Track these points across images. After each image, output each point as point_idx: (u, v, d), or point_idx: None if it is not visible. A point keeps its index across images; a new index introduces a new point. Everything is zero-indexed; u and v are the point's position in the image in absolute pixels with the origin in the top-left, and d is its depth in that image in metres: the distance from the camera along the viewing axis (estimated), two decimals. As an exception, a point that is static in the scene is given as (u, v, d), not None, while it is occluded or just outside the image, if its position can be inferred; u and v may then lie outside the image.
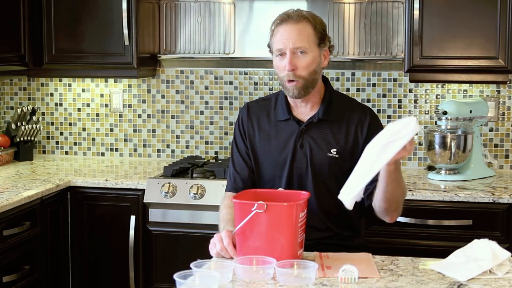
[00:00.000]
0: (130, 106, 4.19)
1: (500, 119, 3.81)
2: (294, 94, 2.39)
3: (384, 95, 3.91)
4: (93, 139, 4.25)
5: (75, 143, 4.28)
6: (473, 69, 3.50)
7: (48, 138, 4.31)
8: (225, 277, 1.97)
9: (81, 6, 3.83)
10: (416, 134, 3.85)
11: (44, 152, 4.32)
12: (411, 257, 2.23)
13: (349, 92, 3.88)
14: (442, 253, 2.21)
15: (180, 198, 3.47)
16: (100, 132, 4.24)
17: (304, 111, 2.47)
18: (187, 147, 4.15)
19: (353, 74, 3.93)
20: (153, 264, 3.54)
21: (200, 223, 3.45)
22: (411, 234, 3.26)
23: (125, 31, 3.73)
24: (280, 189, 2.39)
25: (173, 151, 4.17)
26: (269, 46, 2.45)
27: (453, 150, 3.49)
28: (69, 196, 3.59)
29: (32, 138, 4.12)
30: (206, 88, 4.10)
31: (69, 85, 4.25)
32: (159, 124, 4.17)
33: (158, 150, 4.19)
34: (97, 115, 4.24)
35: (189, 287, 1.90)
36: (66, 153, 4.30)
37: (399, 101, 3.90)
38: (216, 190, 3.41)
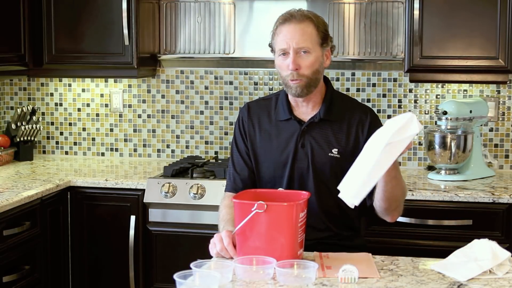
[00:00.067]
0: (130, 106, 4.19)
1: (500, 119, 3.81)
2: (297, 92, 2.39)
3: (384, 95, 3.91)
4: (93, 139, 4.25)
5: (75, 143, 4.28)
6: (473, 69, 3.50)
7: (48, 138, 4.31)
8: (225, 277, 1.97)
9: (81, 6, 3.83)
10: (416, 134, 3.86)
11: (44, 152, 4.32)
12: (411, 257, 2.23)
13: (349, 92, 3.89)
14: (442, 253, 2.21)
15: (180, 198, 3.47)
16: (100, 132, 4.24)
17: (305, 110, 2.47)
18: (187, 147, 4.15)
19: (353, 74, 3.93)
20: (153, 264, 3.54)
21: (200, 223, 3.45)
22: (411, 234, 3.26)
23: (125, 31, 3.73)
24: (280, 189, 2.39)
25: (173, 151, 4.17)
26: (270, 45, 2.45)
27: (453, 150, 3.49)
28: (69, 196, 3.59)
29: (32, 138, 4.12)
30: (206, 88, 4.10)
31: (69, 85, 4.25)
32: (159, 124, 4.17)
33: (158, 150, 4.19)
34: (97, 115, 4.24)
35: (189, 287, 1.90)
36: (66, 153, 4.30)
37: (399, 101, 3.90)
38: (216, 190, 3.41)
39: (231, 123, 4.06)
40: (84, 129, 4.26)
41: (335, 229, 2.47)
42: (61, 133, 4.29)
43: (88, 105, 4.24)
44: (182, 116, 4.14)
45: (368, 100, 3.90)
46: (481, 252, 2.08)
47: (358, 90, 3.93)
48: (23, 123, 4.06)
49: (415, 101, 3.89)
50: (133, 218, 3.51)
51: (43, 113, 4.29)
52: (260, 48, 3.89)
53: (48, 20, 3.85)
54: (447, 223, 3.25)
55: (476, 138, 3.58)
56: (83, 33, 3.85)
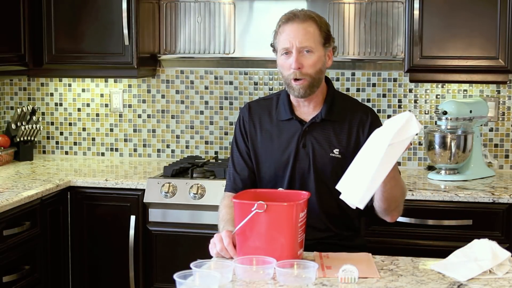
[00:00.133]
0: (130, 106, 4.19)
1: (500, 119, 3.81)
2: (300, 93, 2.39)
3: (384, 95, 3.91)
4: (93, 139, 4.25)
5: (75, 143, 4.28)
6: (473, 69, 3.50)
7: (48, 138, 4.31)
8: (225, 277, 1.97)
9: (81, 6, 3.83)
10: (416, 134, 3.86)
11: (44, 152, 4.32)
12: (411, 257, 2.23)
13: (349, 92, 3.88)
14: (442, 253, 2.21)
15: (180, 198, 3.47)
16: (100, 132, 4.24)
17: (307, 110, 2.47)
18: (187, 147, 4.15)
19: (353, 74, 3.93)
20: (153, 264, 3.54)
21: (200, 223, 3.45)
22: (411, 234, 3.26)
23: (125, 31, 3.73)
24: (280, 189, 2.39)
25: (173, 151, 4.17)
26: (272, 45, 2.45)
27: (453, 150, 3.49)
28: (69, 196, 3.59)
29: (32, 138, 4.12)
30: (206, 88, 4.10)
31: (69, 85, 4.25)
32: (159, 124, 4.17)
33: (158, 150, 4.19)
34: (97, 115, 4.24)
35: (189, 287, 1.90)
36: (66, 153, 4.30)
37: (399, 101, 3.90)
38: (216, 190, 3.41)
39: (231, 123, 4.06)
40: (84, 129, 4.26)
41: (335, 229, 2.47)
42: (61, 133, 4.29)
43: (88, 105, 4.24)
44: (182, 116, 4.14)
45: (368, 100, 3.90)
46: (481, 252, 2.08)
47: (358, 90, 3.93)
48: (23, 123, 4.06)
49: (415, 101, 3.89)
50: (133, 218, 3.51)
51: (43, 113, 4.29)
52: (260, 48, 3.91)
53: (48, 20, 3.85)
54: (447, 223, 3.25)
55: (476, 138, 3.58)
56: (83, 33, 3.85)
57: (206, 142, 4.13)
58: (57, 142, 4.31)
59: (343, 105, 2.49)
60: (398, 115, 2.10)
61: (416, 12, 3.47)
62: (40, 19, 3.86)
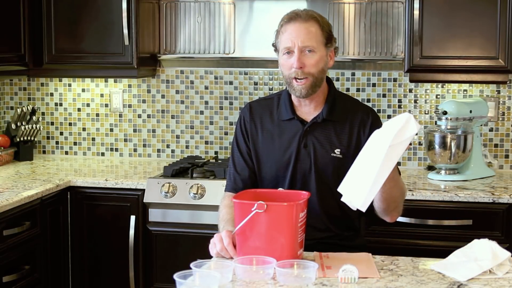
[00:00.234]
0: (130, 106, 4.19)
1: (500, 119, 3.81)
2: (302, 93, 2.39)
3: (384, 95, 3.91)
4: (93, 139, 4.25)
5: (75, 143, 4.28)
6: (473, 69, 3.50)
7: (48, 138, 4.31)
8: (225, 277, 1.97)
9: (81, 6, 3.83)
10: (416, 134, 3.86)
11: (44, 152, 4.32)
12: (411, 257, 2.23)
13: (349, 92, 3.88)
14: (442, 253, 2.21)
15: (180, 198, 3.47)
16: (100, 132, 4.24)
17: (308, 110, 2.47)
18: (187, 147, 4.15)
19: (353, 74, 3.93)
20: (153, 264, 3.54)
21: (200, 223, 3.45)
22: (411, 234, 3.26)
23: (125, 31, 3.73)
24: (280, 189, 2.39)
25: (173, 151, 4.17)
26: (274, 45, 2.45)
27: (453, 150, 3.49)
28: (69, 196, 3.59)
29: (32, 138, 4.12)
30: (206, 88, 4.10)
31: (69, 85, 4.25)
32: (159, 124, 4.17)
33: (158, 150, 4.19)
34: (97, 115, 4.24)
35: (189, 287, 1.90)
36: (66, 153, 4.30)
37: (399, 101, 3.90)
38: (216, 190, 3.41)
39: (231, 123, 4.06)
40: (84, 129, 4.26)
41: (336, 230, 2.47)
42: (61, 133, 4.29)
43: (88, 105, 4.24)
44: (182, 116, 4.14)
45: (368, 100, 3.90)
46: (481, 252, 2.08)
47: (358, 90, 3.93)
48: (23, 123, 4.06)
49: (415, 101, 3.89)
50: (133, 218, 3.51)
51: (43, 113, 4.29)
52: (260, 48, 3.91)
53: (48, 20, 3.85)
54: (447, 223, 3.25)
55: (476, 138, 3.58)
56: (83, 33, 3.85)
57: (206, 142, 4.13)
58: (57, 142, 4.31)
59: (344, 105, 2.50)
60: (397, 117, 2.11)
61: (416, 12, 3.47)
62: (40, 19, 3.86)
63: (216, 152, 4.10)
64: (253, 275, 2.01)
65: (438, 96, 3.86)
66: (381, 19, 3.83)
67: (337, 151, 2.43)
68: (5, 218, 3.07)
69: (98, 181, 3.58)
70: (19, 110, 4.06)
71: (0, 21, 3.67)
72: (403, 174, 2.70)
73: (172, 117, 4.15)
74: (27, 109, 4.08)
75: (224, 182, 2.71)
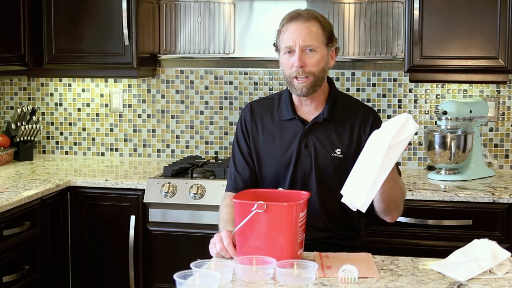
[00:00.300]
0: (130, 106, 4.19)
1: (500, 119, 3.81)
2: (303, 92, 2.39)
3: (384, 95, 3.91)
4: (93, 139, 4.25)
5: (75, 143, 4.28)
6: (473, 69, 3.50)
7: (48, 138, 4.31)
8: (225, 277, 1.97)
9: (81, 6, 3.83)
10: (416, 134, 3.86)
11: (44, 152, 4.32)
12: (411, 257, 2.23)
13: (349, 92, 3.88)
14: (442, 253, 2.21)
15: (180, 198, 3.47)
16: (100, 132, 4.24)
17: (309, 110, 2.47)
18: (187, 147, 4.15)
19: (353, 74, 3.93)
20: (153, 264, 3.54)
21: (200, 223, 3.45)
22: (411, 234, 3.26)
23: (125, 31, 3.73)
24: (280, 189, 2.39)
25: (173, 151, 4.17)
26: (275, 44, 2.46)
27: (453, 150, 3.49)
28: (69, 196, 3.59)
29: (32, 138, 4.12)
30: (206, 88, 4.10)
31: (69, 85, 4.25)
32: (159, 124, 4.17)
33: (158, 150, 4.19)
34: (97, 115, 4.24)
35: (189, 287, 1.90)
36: (66, 153, 4.30)
37: (399, 101, 3.90)
38: (216, 190, 3.41)
39: (231, 123, 4.06)
40: (84, 129, 4.26)
41: (336, 230, 2.47)
42: (61, 133, 4.29)
43: (88, 105, 4.24)
44: (182, 116, 4.14)
45: (368, 100, 3.90)
46: (481, 252, 2.08)
47: (358, 90, 3.93)
48: (23, 123, 4.06)
49: (415, 101, 3.89)
50: (133, 218, 3.51)
51: (43, 113, 4.29)
52: (260, 48, 3.91)
53: (48, 20, 3.85)
54: (447, 223, 3.25)
55: (476, 138, 3.58)
56: (83, 33, 3.85)
57: (206, 142, 4.13)
58: (57, 142, 4.31)
59: (345, 105, 2.50)
60: (395, 117, 2.11)
61: (416, 12, 3.47)
62: (40, 19, 3.86)
63: (216, 152, 4.10)
64: (253, 275, 2.01)
65: (438, 96, 3.86)
66: (381, 19, 3.83)
67: (338, 151, 2.43)
68: (5, 218, 3.07)
69: (98, 181, 3.58)
70: (19, 110, 4.06)
71: (0, 21, 3.67)
72: (403, 174, 2.70)
73: (172, 117, 4.15)
74: (27, 109, 4.08)
75: (224, 182, 2.71)
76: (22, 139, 4.06)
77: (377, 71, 3.90)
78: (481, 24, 3.45)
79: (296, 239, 2.08)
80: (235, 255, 2.12)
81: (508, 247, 2.29)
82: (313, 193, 2.35)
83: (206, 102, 4.10)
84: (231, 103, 4.07)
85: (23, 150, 4.08)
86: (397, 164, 2.25)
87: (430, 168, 3.78)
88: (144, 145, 4.20)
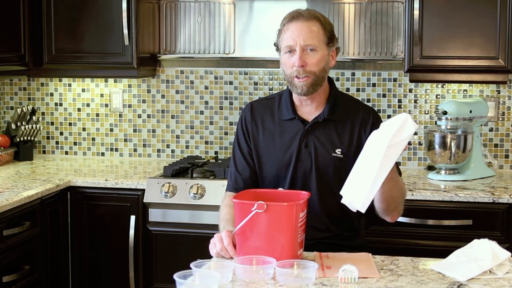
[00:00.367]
0: (130, 106, 4.19)
1: (500, 119, 3.81)
2: (303, 91, 2.39)
3: (384, 95, 3.91)
4: (93, 139, 4.25)
5: (75, 143, 4.28)
6: (473, 69, 3.50)
7: (48, 138, 4.31)
8: (225, 277, 1.97)
9: (81, 6, 3.83)
10: (416, 134, 3.86)
11: (44, 152, 4.32)
12: (411, 257, 2.23)
13: (349, 92, 3.88)
14: (442, 253, 2.21)
15: (180, 198, 3.47)
16: (100, 132, 4.24)
17: (309, 110, 2.47)
18: (187, 147, 4.15)
19: (353, 74, 3.93)
20: (153, 264, 3.54)
21: (200, 223, 3.45)
22: (411, 234, 3.26)
23: (125, 31, 3.73)
24: (280, 189, 2.39)
25: (173, 151, 4.17)
26: (275, 44, 2.46)
27: (453, 150, 3.49)
28: (69, 196, 3.59)
29: (32, 138, 4.12)
30: (206, 88, 4.10)
31: (69, 85, 4.25)
32: (159, 124, 4.17)
33: (158, 150, 4.19)
34: (97, 115, 4.24)
35: (189, 287, 1.90)
36: (66, 153, 4.30)
37: (399, 101, 3.90)
38: (216, 190, 3.41)
39: (231, 123, 4.06)
40: (84, 129, 4.26)
41: (336, 230, 2.47)
42: (61, 133, 4.29)
43: (88, 105, 4.24)
44: (182, 116, 4.14)
45: (368, 100, 3.90)
46: (481, 252, 2.08)
47: (358, 90, 3.93)
48: (23, 123, 4.06)
49: (415, 101, 3.89)
50: (133, 218, 3.51)
51: (43, 113, 4.29)
52: (260, 48, 3.91)
53: (48, 20, 3.85)
54: (447, 223, 3.25)
55: (476, 138, 3.58)
56: (83, 33, 3.85)
57: (206, 142, 4.13)
58: (57, 142, 4.31)
59: (345, 105, 2.50)
60: (394, 117, 2.11)
61: (416, 12, 3.47)
62: (40, 19, 3.86)
63: (216, 152, 4.10)
64: (253, 275, 2.01)
65: (438, 96, 3.86)
66: (381, 19, 3.83)
67: (338, 151, 2.44)
68: (5, 218, 3.07)
69: (98, 181, 3.58)
70: (19, 110, 4.06)
71: (0, 21, 3.67)
72: (403, 174, 2.69)
73: (172, 117, 4.15)
74: (27, 109, 4.08)
75: (224, 182, 2.71)
76: (22, 139, 4.06)
77: (377, 71, 3.90)
78: (481, 24, 3.45)
79: (296, 239, 2.08)
80: (235, 255, 2.12)
81: (508, 247, 2.29)
82: (313, 193, 2.35)
83: (206, 102, 4.10)
84: (231, 103, 4.07)
85: (23, 150, 4.08)
86: (397, 164, 2.25)
87: (430, 168, 3.78)
88: (144, 145, 4.20)
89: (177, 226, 3.49)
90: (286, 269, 1.98)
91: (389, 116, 3.86)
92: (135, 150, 4.21)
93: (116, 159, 4.20)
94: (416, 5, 3.47)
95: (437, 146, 3.52)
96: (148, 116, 4.18)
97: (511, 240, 3.15)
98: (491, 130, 3.82)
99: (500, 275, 2.03)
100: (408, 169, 3.85)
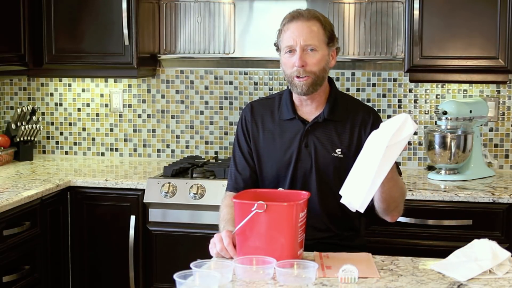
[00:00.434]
0: (130, 106, 4.19)
1: (500, 119, 3.81)
2: (303, 90, 2.39)
3: (384, 95, 3.91)
4: (93, 139, 4.25)
5: (75, 143, 4.28)
6: (473, 69, 3.50)
7: (48, 138, 4.31)
8: (225, 277, 1.97)
9: (81, 6, 3.83)
10: (416, 134, 3.86)
11: (44, 152, 4.32)
12: (411, 257, 2.23)
13: (349, 92, 3.88)
14: (442, 253, 2.21)
15: (180, 198, 3.47)
16: (100, 132, 4.24)
17: (309, 110, 2.47)
18: (187, 147, 4.15)
19: (353, 74, 3.93)
20: (153, 264, 3.54)
21: (200, 223, 3.45)
22: (411, 234, 3.26)
23: (125, 31, 3.73)
24: (280, 189, 2.39)
25: (173, 151, 4.17)
26: (276, 44, 2.46)
27: (453, 150, 3.49)
28: (69, 196, 3.59)
29: (32, 138, 4.12)
30: (206, 88, 4.10)
31: (69, 85, 4.25)
32: (159, 124, 4.17)
33: (158, 150, 4.19)
34: (97, 115, 4.24)
35: (189, 287, 1.90)
36: (66, 153, 4.30)
37: (399, 101, 3.90)
38: (216, 190, 3.41)
39: (231, 123, 4.06)
40: (84, 129, 4.26)
41: (336, 230, 2.47)
42: (61, 133, 4.29)
43: (88, 105, 4.24)
44: (182, 116, 4.14)
45: (368, 100, 3.90)
46: (481, 252, 2.08)
47: (358, 90, 3.93)
48: (23, 123, 4.06)
49: (415, 101, 3.89)
50: (133, 218, 3.51)
51: (43, 113, 4.29)
52: (260, 48, 3.91)
53: (48, 20, 3.85)
54: (447, 223, 3.25)
55: (476, 138, 3.58)
56: (83, 33, 3.85)
57: (206, 142, 4.13)
58: (57, 142, 4.31)
59: (345, 105, 2.50)
60: (394, 117, 2.11)
61: (416, 12, 3.47)
62: (40, 19, 3.86)
63: (216, 152, 4.10)
64: (253, 275, 2.01)
65: (438, 96, 3.86)
66: (381, 19, 3.83)
67: (338, 151, 2.44)
68: (5, 218, 3.07)
69: (98, 181, 3.58)
70: (19, 110, 4.06)
71: (0, 21, 3.67)
72: (403, 174, 2.70)
73: (172, 117, 4.15)
74: (27, 109, 4.08)
75: (224, 182, 2.71)
76: (22, 139, 4.06)
77: (377, 71, 3.90)
78: (481, 24, 3.45)
79: (296, 239, 2.08)
80: (235, 255, 2.12)
81: (508, 247, 2.29)
82: (313, 193, 2.35)
83: (206, 102, 4.10)
84: (231, 103, 4.07)
85: (23, 150, 4.08)
86: (397, 164, 2.25)
87: (430, 168, 3.78)
88: (144, 145, 4.20)
89: (177, 226, 3.49)
90: (286, 269, 1.98)
91: (389, 116, 3.86)
92: (135, 150, 4.21)
93: (116, 159, 4.20)
94: (416, 5, 3.47)
95: (437, 146, 3.52)
96: (148, 116, 4.18)
97: (511, 240, 3.15)
98: (491, 130, 3.82)
99: (500, 275, 2.03)
100: (408, 169, 3.85)
